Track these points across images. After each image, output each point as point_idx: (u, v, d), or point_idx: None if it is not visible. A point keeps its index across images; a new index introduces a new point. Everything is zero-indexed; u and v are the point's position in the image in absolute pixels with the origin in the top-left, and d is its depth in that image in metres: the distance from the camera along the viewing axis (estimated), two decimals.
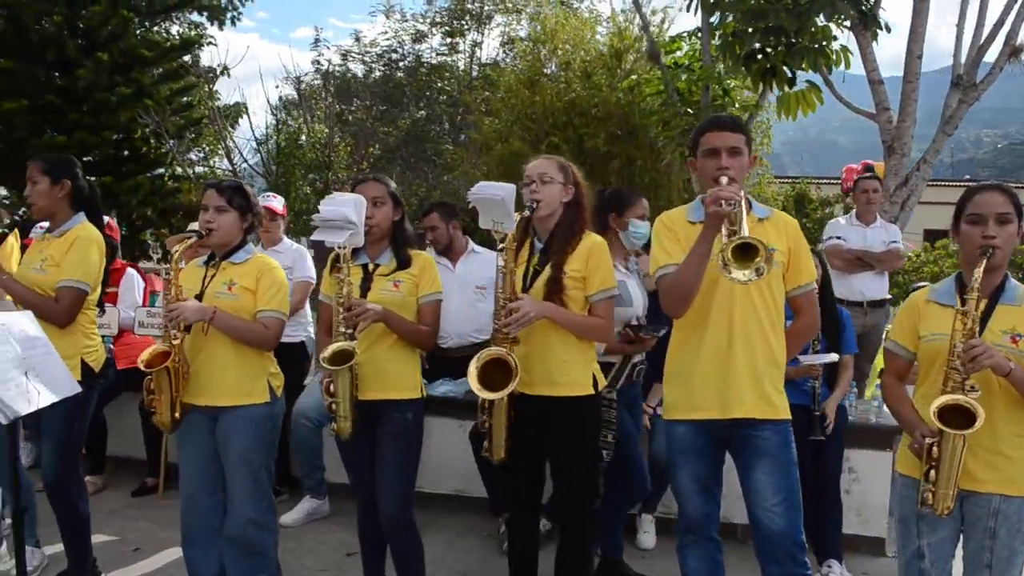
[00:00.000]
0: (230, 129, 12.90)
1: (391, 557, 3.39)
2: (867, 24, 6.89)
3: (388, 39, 18.90)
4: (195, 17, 21.59)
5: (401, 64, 19.13)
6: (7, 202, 15.38)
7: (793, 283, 2.91)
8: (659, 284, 2.90)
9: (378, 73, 19.52)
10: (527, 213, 3.13)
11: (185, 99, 16.93)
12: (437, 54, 19.43)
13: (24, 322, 2.89)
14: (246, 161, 13.35)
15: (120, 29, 15.93)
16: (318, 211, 3.09)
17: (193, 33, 19.31)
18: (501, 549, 4.34)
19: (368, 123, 14.09)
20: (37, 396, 2.67)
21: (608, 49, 14.84)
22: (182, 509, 3.34)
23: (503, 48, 19.83)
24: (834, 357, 4.08)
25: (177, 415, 3.18)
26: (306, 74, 17.75)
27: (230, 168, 13.12)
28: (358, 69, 19.85)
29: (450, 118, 18.61)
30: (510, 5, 19.10)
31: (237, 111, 20.67)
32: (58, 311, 3.36)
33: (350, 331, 3.07)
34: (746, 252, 2.51)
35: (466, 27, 19.35)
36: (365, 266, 3.30)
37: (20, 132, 14.73)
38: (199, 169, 15.56)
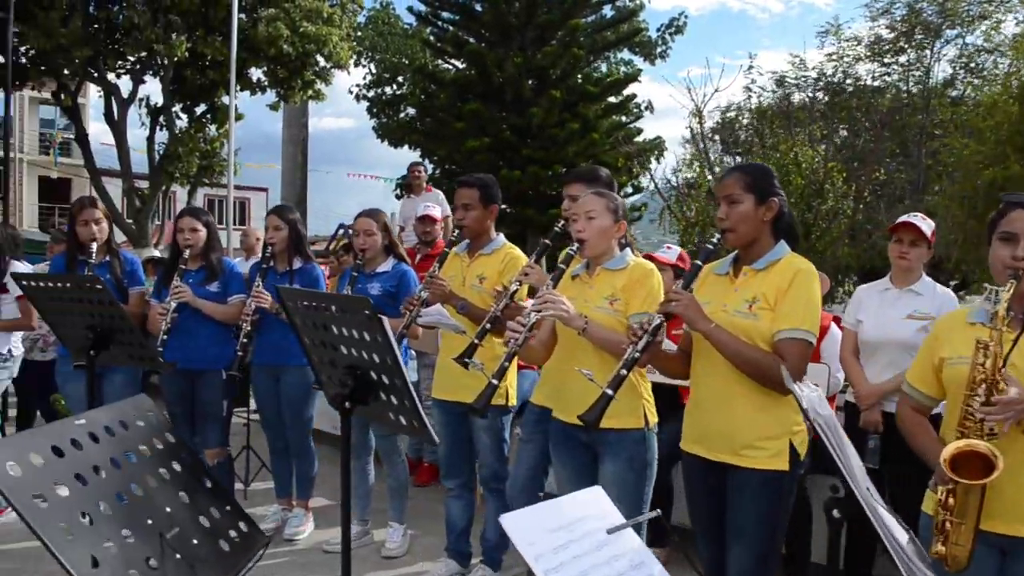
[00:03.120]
0: (706, 155, 12.42)
1: None
2: None
3: (833, 61, 17.41)
4: (624, 55, 22.28)
5: (842, 87, 17.51)
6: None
7: None
8: None
9: (810, 97, 18.14)
10: None
11: (620, 133, 17.20)
12: (883, 74, 17.49)
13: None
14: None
15: (569, 67, 16.60)
16: None
17: (627, 69, 19.75)
18: None
19: (870, 146, 12.60)
20: None
21: None
22: None
23: (961, 61, 17.31)
24: None
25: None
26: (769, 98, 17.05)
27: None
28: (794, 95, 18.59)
29: (899, 142, 16.54)
30: (981, 10, 16.55)
31: (659, 146, 20.81)
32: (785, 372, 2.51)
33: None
34: None
35: (919, 44, 17.15)
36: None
37: (481, 169, 15.92)
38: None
